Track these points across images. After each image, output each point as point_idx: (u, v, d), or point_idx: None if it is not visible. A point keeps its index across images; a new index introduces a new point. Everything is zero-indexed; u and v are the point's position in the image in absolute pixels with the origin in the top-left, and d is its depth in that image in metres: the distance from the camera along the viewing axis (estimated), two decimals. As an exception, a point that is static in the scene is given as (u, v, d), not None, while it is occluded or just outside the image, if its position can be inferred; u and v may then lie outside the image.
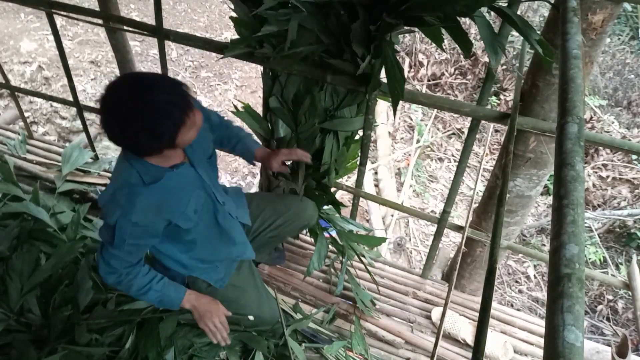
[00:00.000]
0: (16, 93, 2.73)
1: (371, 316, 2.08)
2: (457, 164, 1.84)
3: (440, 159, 4.78)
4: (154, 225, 1.31)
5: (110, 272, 1.35)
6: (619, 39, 5.36)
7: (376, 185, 4.25)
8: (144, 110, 1.08)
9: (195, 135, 1.23)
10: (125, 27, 2.06)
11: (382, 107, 4.86)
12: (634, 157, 4.28)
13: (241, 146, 1.70)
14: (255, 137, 1.79)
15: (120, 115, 1.10)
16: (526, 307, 3.50)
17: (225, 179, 4.17)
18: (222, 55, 1.71)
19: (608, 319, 3.41)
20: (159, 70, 1.92)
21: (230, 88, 4.98)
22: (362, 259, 2.15)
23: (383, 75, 1.49)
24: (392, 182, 4.25)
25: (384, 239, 2.18)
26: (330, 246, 2.09)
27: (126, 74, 1.29)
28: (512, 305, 3.49)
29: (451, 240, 3.95)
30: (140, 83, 1.11)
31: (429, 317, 2.14)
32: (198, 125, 1.22)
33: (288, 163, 1.87)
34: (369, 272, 2.16)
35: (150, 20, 2.23)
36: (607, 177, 4.32)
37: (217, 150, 1.58)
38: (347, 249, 2.07)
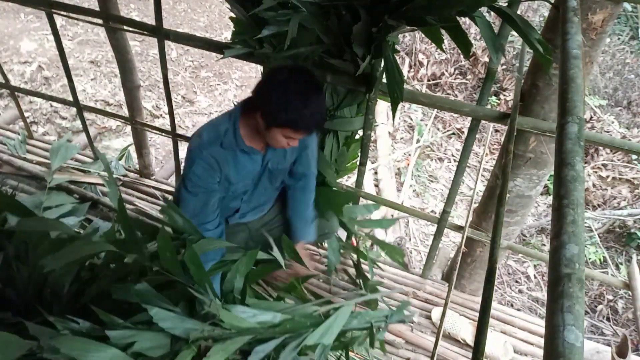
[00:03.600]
0: (16, 93, 2.73)
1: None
2: (457, 163, 1.84)
3: (440, 159, 4.77)
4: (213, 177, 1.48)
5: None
6: (619, 39, 5.37)
7: (376, 185, 4.25)
8: (305, 90, 1.31)
9: (279, 146, 1.42)
10: (125, 27, 2.06)
11: (382, 107, 4.85)
12: (634, 157, 4.27)
13: (294, 221, 1.82)
14: (311, 227, 1.85)
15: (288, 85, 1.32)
16: (526, 307, 3.50)
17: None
18: (222, 55, 1.70)
19: (608, 319, 3.41)
20: (158, 70, 1.92)
21: (230, 88, 4.97)
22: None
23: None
24: (392, 182, 4.24)
25: (394, 220, 2.25)
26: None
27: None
28: (512, 305, 3.49)
29: (451, 240, 3.94)
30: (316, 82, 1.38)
31: (429, 317, 2.14)
32: (290, 144, 1.41)
33: None
34: (375, 265, 2.16)
35: (150, 20, 2.23)
36: (607, 177, 4.31)
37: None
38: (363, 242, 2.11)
